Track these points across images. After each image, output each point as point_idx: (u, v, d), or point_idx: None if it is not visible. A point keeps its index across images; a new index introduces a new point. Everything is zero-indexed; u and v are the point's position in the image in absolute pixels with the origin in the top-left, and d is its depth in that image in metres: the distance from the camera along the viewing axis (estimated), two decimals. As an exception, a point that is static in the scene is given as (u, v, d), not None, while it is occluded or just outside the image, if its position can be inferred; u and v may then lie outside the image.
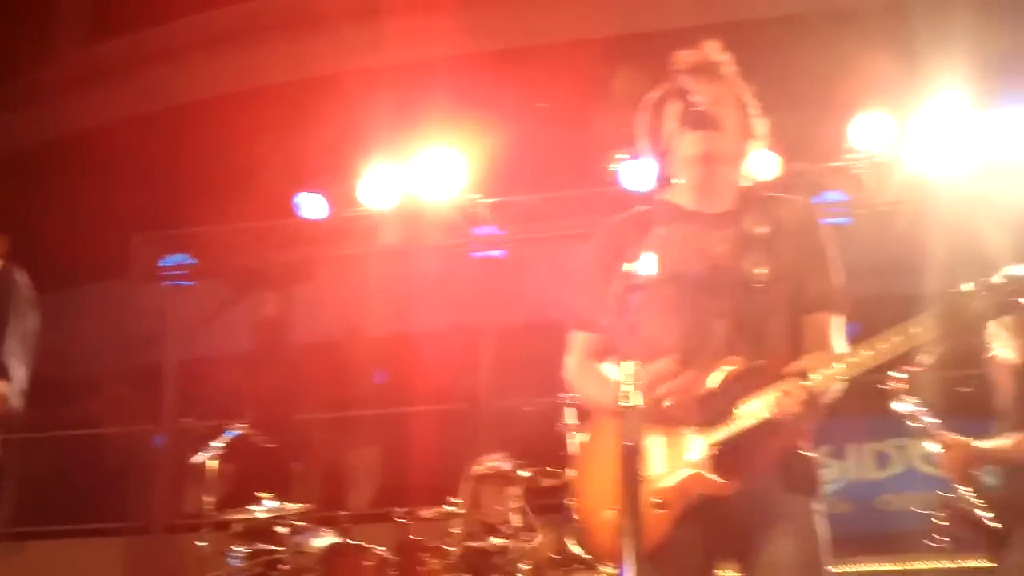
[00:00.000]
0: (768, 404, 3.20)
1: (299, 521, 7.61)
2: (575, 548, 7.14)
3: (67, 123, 14.50)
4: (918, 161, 9.22)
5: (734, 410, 3.26)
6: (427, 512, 7.64)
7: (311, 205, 10.43)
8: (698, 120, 3.32)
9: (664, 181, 3.57)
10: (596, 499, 3.42)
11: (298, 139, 9.92)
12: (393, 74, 9.63)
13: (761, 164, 9.00)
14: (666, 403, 3.28)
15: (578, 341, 3.63)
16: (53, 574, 10.72)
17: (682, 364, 3.33)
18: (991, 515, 4.95)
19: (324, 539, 7.73)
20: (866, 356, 3.17)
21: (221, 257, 11.15)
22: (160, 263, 11.41)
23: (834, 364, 3.19)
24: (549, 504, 7.96)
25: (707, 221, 3.53)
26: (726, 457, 3.26)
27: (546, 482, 7.42)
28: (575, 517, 3.76)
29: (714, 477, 3.26)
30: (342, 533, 7.92)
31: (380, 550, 7.49)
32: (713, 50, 3.56)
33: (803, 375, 3.16)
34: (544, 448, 7.65)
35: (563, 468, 7.11)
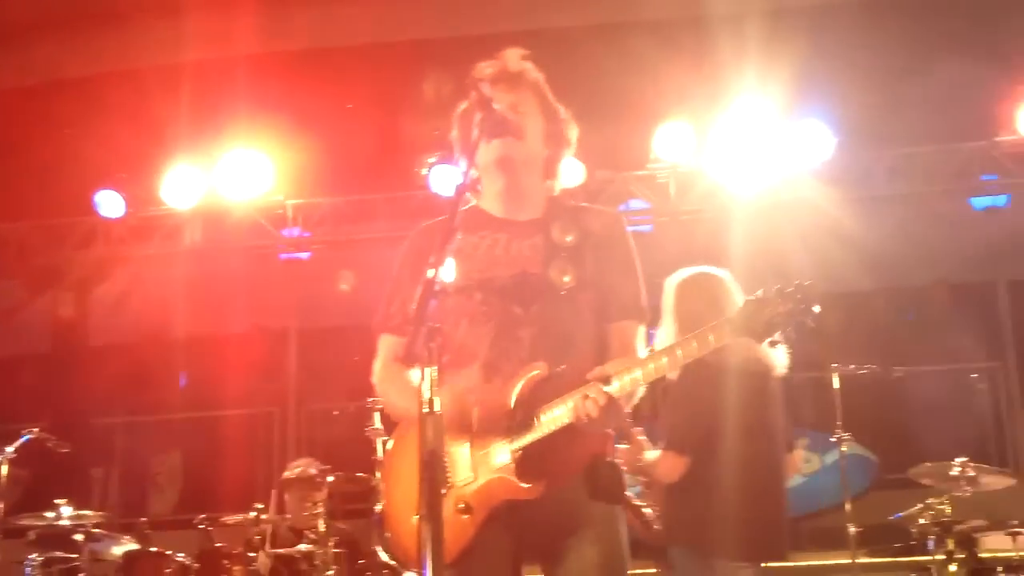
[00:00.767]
0: (570, 410, 3.24)
1: (97, 528, 7.44)
2: (382, 554, 7.14)
3: None
4: (719, 171, 9.47)
5: (537, 416, 3.29)
6: (231, 518, 7.53)
7: (110, 203, 10.14)
8: (497, 127, 3.36)
9: (473, 188, 3.60)
10: (402, 505, 3.41)
11: (97, 135, 9.61)
12: (195, 71, 9.42)
13: (567, 172, 9.21)
14: (473, 412, 3.31)
15: (385, 346, 3.62)
16: None
17: (488, 372, 3.36)
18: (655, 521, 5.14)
19: (123, 546, 7.59)
20: (664, 362, 3.23)
21: (16, 256, 10.75)
22: (-49, 262, 10.94)
23: (634, 370, 3.24)
24: (357, 509, 7.93)
25: (515, 229, 3.57)
26: (530, 462, 3.29)
27: (353, 487, 7.40)
28: (382, 523, 3.75)
29: (518, 482, 3.28)
30: (142, 540, 7.78)
31: (180, 557, 7.36)
32: (514, 58, 3.61)
33: (605, 380, 3.21)
34: (353, 453, 7.61)
35: (371, 473, 7.10)
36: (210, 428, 12.67)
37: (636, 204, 9.83)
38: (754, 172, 9.34)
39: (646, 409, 4.62)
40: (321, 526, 7.06)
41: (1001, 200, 9.83)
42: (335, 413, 10.77)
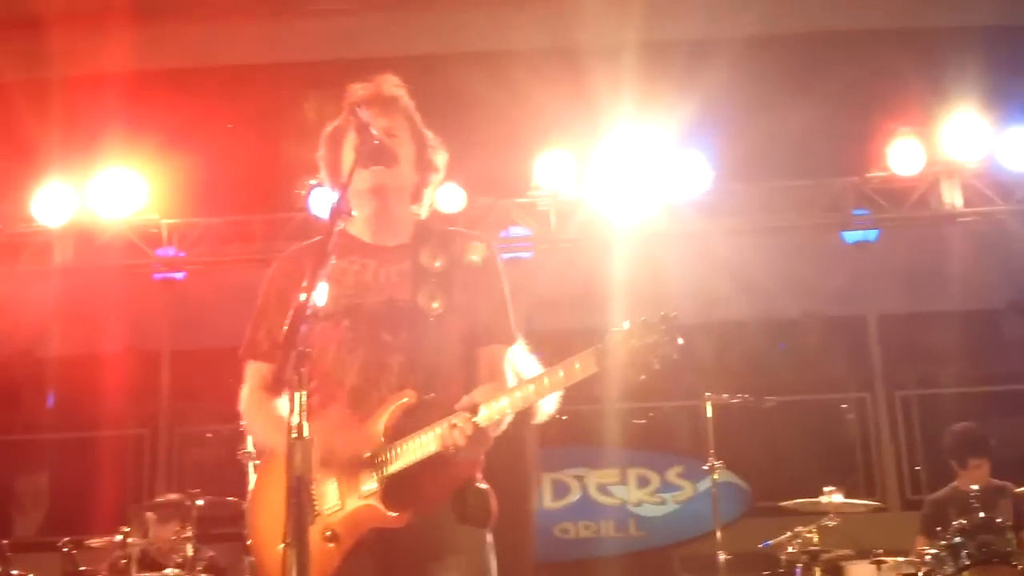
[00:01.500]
0: (437, 437, 3.23)
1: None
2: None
3: None
4: (599, 200, 9.55)
5: (405, 444, 3.28)
6: (96, 541, 7.39)
7: (-23, 219, 9.86)
8: (372, 155, 3.33)
9: (343, 212, 3.57)
10: (269, 532, 3.35)
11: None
12: (67, 87, 9.24)
13: (446, 198, 9.23)
14: (341, 441, 3.28)
15: (252, 373, 3.57)
16: None
17: (357, 399, 3.34)
18: None
19: (-19, 571, 7.39)
20: (531, 391, 3.24)
21: None
22: None
23: (501, 398, 3.24)
24: (226, 533, 7.81)
25: (383, 254, 3.55)
26: (397, 490, 3.27)
27: (223, 512, 7.30)
28: (249, 549, 3.69)
29: (385, 510, 3.26)
30: (3, 563, 7.58)
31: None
32: (388, 84, 3.60)
33: (472, 409, 3.21)
34: (224, 475, 7.51)
35: (243, 497, 7.00)
36: (78, 449, 12.40)
37: (517, 231, 9.86)
38: (634, 202, 9.43)
39: None
40: (189, 550, 6.95)
41: (872, 235, 10.07)
42: (208, 435, 10.63)
